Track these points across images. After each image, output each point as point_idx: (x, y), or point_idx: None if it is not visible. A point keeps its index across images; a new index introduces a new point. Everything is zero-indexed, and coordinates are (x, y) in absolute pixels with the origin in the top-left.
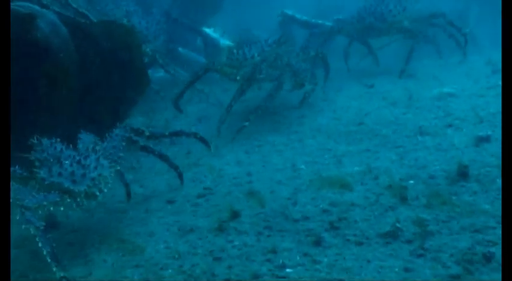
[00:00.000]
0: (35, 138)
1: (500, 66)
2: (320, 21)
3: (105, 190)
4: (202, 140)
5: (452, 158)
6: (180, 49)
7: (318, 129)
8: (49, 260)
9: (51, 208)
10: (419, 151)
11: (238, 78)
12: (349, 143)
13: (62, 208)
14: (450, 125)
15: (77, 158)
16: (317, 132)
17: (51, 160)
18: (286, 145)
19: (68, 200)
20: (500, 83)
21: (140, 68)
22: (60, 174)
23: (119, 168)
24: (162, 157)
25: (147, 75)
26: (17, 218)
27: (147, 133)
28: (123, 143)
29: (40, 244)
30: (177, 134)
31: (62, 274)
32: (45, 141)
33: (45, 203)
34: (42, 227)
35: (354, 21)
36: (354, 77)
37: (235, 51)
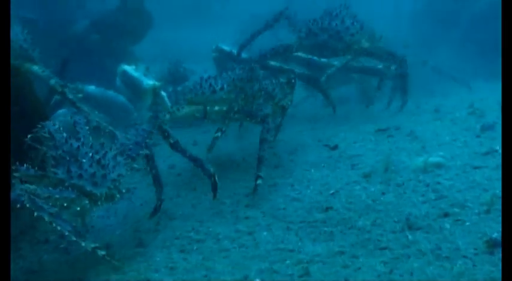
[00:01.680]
0: (47, 131)
1: (490, 120)
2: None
3: (123, 191)
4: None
5: (462, 275)
6: (91, 88)
7: (273, 214)
8: (74, 238)
9: (65, 204)
10: (412, 259)
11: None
12: (315, 240)
13: (78, 208)
14: (446, 215)
15: (96, 157)
16: (272, 220)
17: (68, 158)
18: (233, 240)
19: (86, 201)
20: (497, 147)
21: None
22: (80, 176)
23: (136, 166)
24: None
25: None
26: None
27: (171, 140)
28: (148, 141)
29: (59, 228)
30: (196, 162)
31: (92, 245)
32: (58, 136)
33: (57, 196)
34: (55, 213)
35: (302, 37)
36: (309, 128)
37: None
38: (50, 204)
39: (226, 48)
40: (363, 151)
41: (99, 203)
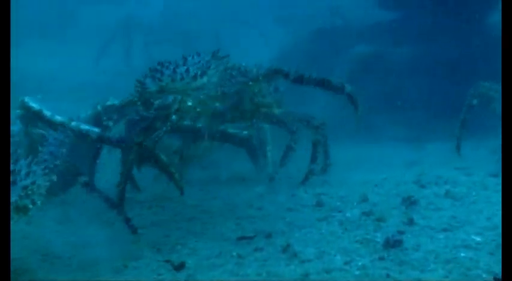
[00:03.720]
0: None
1: (392, 227)
2: (87, 127)
3: (39, 202)
4: None
5: None
6: None
7: None
8: None
9: None
10: None
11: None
12: None
13: None
14: None
15: None
16: None
17: None
18: None
19: None
20: None
21: None
22: None
23: (54, 178)
24: None
25: None
26: None
27: (93, 136)
28: (63, 150)
29: None
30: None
31: None
32: None
33: None
34: None
35: None
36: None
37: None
38: None
39: (34, 105)
40: (219, 274)
41: None
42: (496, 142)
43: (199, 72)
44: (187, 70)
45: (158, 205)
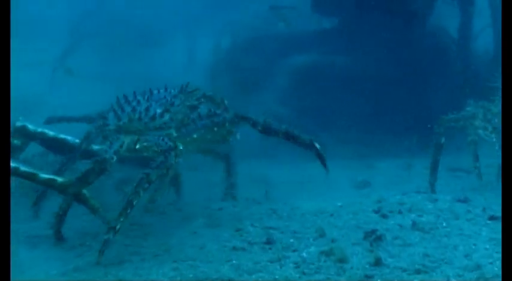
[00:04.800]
0: None
1: (359, 269)
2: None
3: None
4: None
5: None
6: None
7: None
8: None
9: None
10: None
11: None
12: None
13: None
14: None
15: None
16: None
17: None
18: None
19: None
20: None
21: None
22: None
23: None
24: None
25: None
26: None
27: None
28: None
29: None
30: None
31: None
32: None
33: None
34: None
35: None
36: None
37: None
38: None
39: None
40: None
41: None
42: (451, 159)
43: (159, 112)
44: (147, 109)
45: (83, 244)
